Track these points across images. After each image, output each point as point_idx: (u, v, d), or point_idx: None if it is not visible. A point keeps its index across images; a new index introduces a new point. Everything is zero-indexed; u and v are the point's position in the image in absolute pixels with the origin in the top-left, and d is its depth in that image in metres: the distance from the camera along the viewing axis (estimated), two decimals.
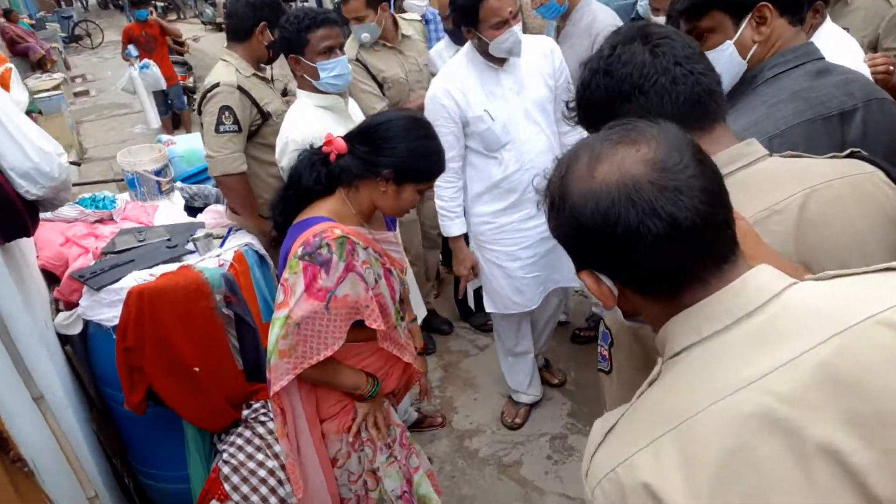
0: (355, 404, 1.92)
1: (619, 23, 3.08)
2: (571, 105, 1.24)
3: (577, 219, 0.82)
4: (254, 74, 2.84)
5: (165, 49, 7.67)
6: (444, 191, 2.71)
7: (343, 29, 2.72)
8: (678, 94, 1.10)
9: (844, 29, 2.58)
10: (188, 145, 4.00)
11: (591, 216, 0.80)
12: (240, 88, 2.74)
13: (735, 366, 0.78)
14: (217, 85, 2.73)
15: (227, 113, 2.70)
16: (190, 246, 2.64)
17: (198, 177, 3.79)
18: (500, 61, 2.55)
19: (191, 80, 8.54)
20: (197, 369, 2.26)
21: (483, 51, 2.51)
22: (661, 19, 2.72)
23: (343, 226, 1.73)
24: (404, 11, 3.88)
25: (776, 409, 0.73)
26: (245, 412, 2.41)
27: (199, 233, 2.68)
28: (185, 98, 7.90)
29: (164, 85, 7.20)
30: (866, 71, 2.05)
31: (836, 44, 2.04)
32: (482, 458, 3.04)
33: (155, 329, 2.18)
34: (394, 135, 1.73)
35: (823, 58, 1.46)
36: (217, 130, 2.72)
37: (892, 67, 2.23)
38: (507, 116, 2.56)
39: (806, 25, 2.10)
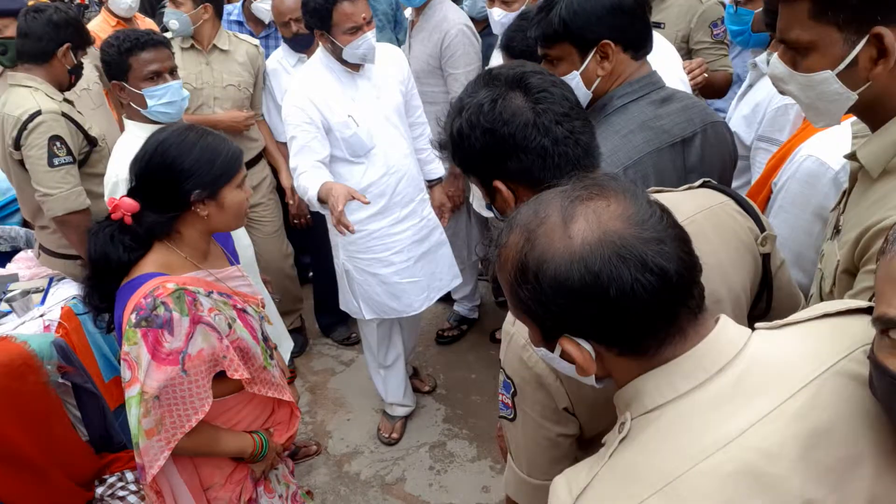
0: (250, 467, 1.77)
1: (469, 23, 3.09)
2: (442, 144, 1.22)
3: (563, 284, 0.77)
4: (65, 100, 2.49)
5: None
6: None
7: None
8: (559, 155, 1.11)
9: (661, 24, 2.78)
10: None
11: (581, 280, 0.76)
12: (64, 115, 2.40)
13: (714, 423, 0.78)
14: (38, 113, 2.35)
15: (58, 143, 2.36)
16: (3, 307, 2.28)
17: None
18: (356, 66, 2.52)
19: None
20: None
21: (337, 56, 2.46)
22: (497, 10, 2.77)
23: (176, 276, 1.57)
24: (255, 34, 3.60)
25: (758, 465, 0.75)
26: (99, 490, 2.14)
27: (13, 288, 2.33)
28: None
29: None
30: (685, 79, 2.22)
31: (660, 53, 2.18)
32: (364, 480, 2.95)
33: None
34: (174, 156, 1.57)
35: (664, 86, 1.54)
36: (52, 164, 2.36)
37: (706, 74, 2.44)
38: (370, 121, 2.52)
39: None
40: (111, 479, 2.16)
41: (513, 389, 1.11)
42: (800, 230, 1.52)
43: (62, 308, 2.23)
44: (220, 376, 1.64)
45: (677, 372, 0.81)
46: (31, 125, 2.36)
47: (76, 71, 2.54)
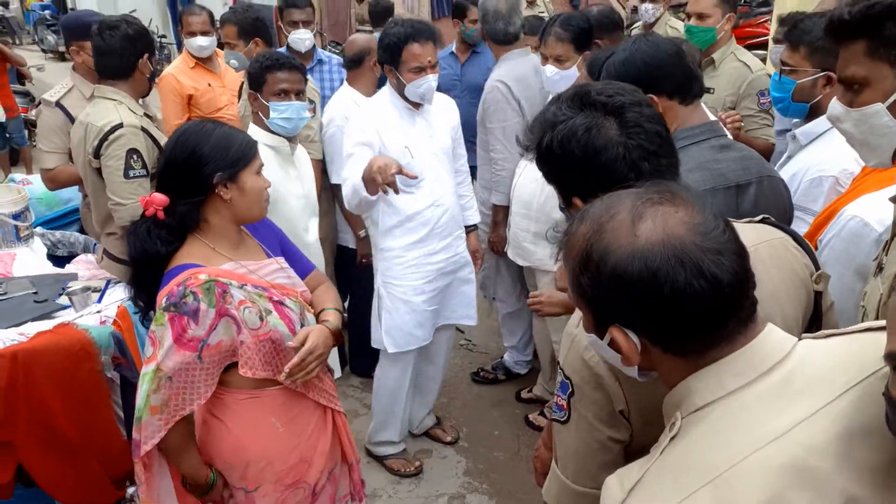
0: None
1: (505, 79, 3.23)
2: (528, 146, 1.26)
3: (621, 276, 0.82)
4: (145, 114, 2.65)
5: (6, 77, 6.96)
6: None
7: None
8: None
9: (710, 89, 2.94)
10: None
11: (639, 275, 0.81)
12: (143, 130, 2.56)
13: (762, 419, 0.81)
14: (120, 125, 2.50)
15: (135, 156, 2.50)
16: (63, 300, 2.36)
17: (58, 221, 3.44)
18: (416, 105, 2.71)
19: (33, 112, 7.79)
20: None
21: (400, 92, 2.65)
22: (549, 68, 2.89)
23: (211, 268, 1.66)
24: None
25: (804, 460, 0.78)
26: (130, 490, 2.15)
27: (74, 285, 2.41)
28: (27, 132, 7.18)
29: (2, 117, 6.50)
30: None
31: None
32: None
33: (30, 397, 1.91)
34: (192, 146, 1.69)
35: (726, 135, 1.63)
36: (127, 176, 2.50)
37: (741, 124, 2.65)
38: (423, 155, 2.69)
39: None
40: None
41: (570, 390, 1.15)
42: (843, 286, 1.57)
43: (118, 307, 2.31)
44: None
45: (727, 370, 0.85)
46: (111, 136, 2.50)
47: (153, 77, 2.73)
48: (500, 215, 3.25)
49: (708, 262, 0.81)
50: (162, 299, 1.62)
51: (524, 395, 3.60)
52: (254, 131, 2.53)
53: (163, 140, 2.66)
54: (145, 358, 1.63)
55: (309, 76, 3.54)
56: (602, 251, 0.85)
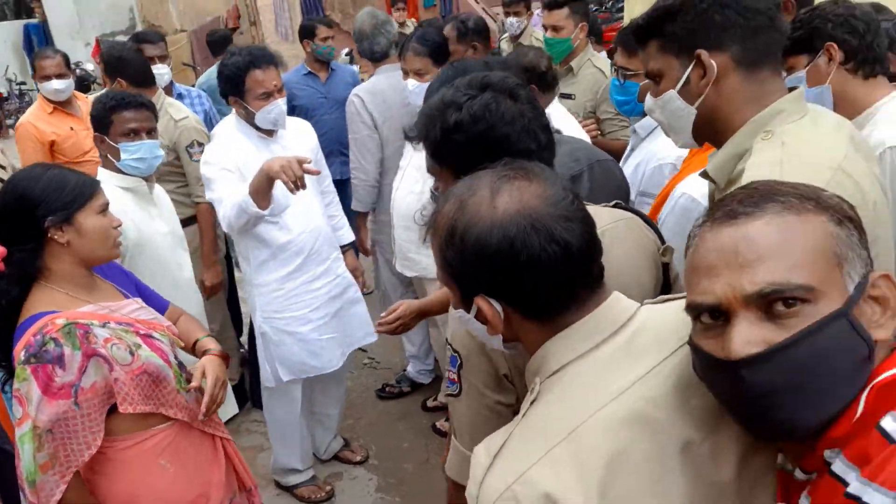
0: None
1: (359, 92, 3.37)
2: (424, 133, 1.30)
3: (483, 246, 0.89)
4: None
5: None
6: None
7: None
8: (539, 159, 1.19)
9: (571, 95, 3.11)
10: None
11: (498, 244, 0.88)
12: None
13: (609, 377, 0.89)
14: None
15: None
16: None
17: None
18: (269, 132, 2.69)
19: None
20: None
21: (249, 121, 2.64)
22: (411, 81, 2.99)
23: (67, 311, 1.62)
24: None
25: (646, 411, 0.87)
26: None
27: None
28: None
29: None
30: (584, 134, 2.60)
31: (557, 117, 2.53)
32: None
33: None
34: (21, 191, 1.65)
35: (556, 130, 1.73)
36: None
37: (597, 131, 2.84)
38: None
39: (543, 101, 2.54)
40: None
41: (459, 362, 1.21)
42: (681, 257, 1.72)
43: None
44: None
45: (576, 335, 0.93)
46: None
47: None
48: (359, 220, 3.43)
49: (559, 229, 0.89)
50: (20, 353, 1.55)
51: (430, 403, 3.64)
52: (105, 176, 2.38)
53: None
54: (16, 420, 1.56)
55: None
56: (465, 225, 0.91)
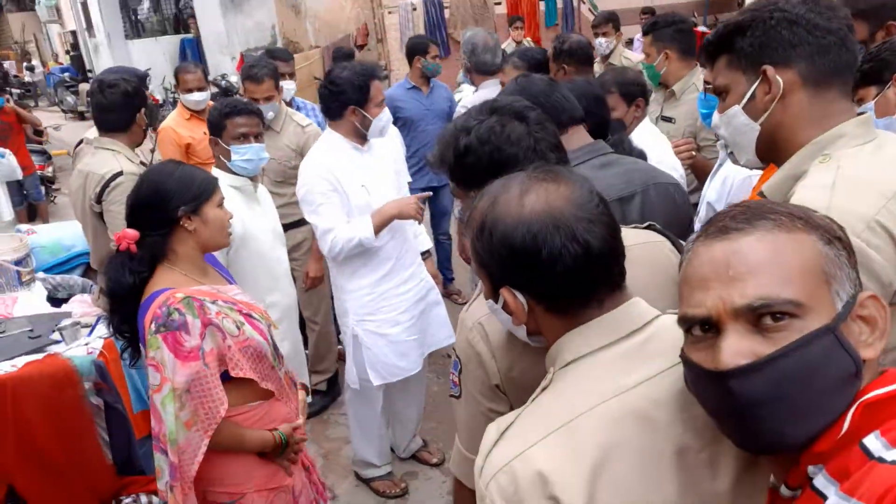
0: (281, 469, 1.96)
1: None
2: (441, 160, 1.39)
3: (508, 241, 0.97)
4: (140, 162, 2.89)
5: (22, 137, 7.35)
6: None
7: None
8: None
9: (672, 119, 3.07)
10: (51, 235, 3.85)
11: (522, 239, 0.95)
12: None
13: (617, 375, 0.95)
14: (120, 173, 2.75)
15: None
16: (55, 336, 2.54)
17: (61, 267, 3.65)
18: (362, 142, 2.82)
19: (49, 169, 8.17)
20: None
21: (356, 131, 2.78)
22: None
23: (183, 289, 1.80)
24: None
25: (647, 411, 0.91)
26: None
27: (65, 322, 2.59)
28: (43, 188, 7.53)
29: (20, 175, 6.84)
30: (672, 157, 2.52)
31: (650, 135, 2.60)
32: None
33: (18, 421, 2.07)
34: (157, 184, 1.87)
35: (609, 153, 1.75)
36: None
37: (694, 152, 2.72)
38: (377, 190, 2.81)
39: (629, 117, 2.56)
40: (126, 500, 2.31)
41: (459, 367, 1.28)
42: None
43: (105, 340, 2.48)
44: (232, 384, 1.81)
45: (593, 331, 0.98)
46: (113, 183, 2.74)
47: (147, 129, 2.97)
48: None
49: (581, 229, 0.95)
50: (150, 325, 1.74)
51: None
52: (218, 175, 2.61)
53: None
54: (154, 387, 1.74)
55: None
56: (493, 220, 0.99)
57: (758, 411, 0.77)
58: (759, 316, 0.78)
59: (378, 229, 2.63)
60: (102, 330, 2.59)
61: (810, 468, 0.79)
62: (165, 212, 1.85)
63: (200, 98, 4.30)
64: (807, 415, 0.77)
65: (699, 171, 2.73)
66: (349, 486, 3.37)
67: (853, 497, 0.72)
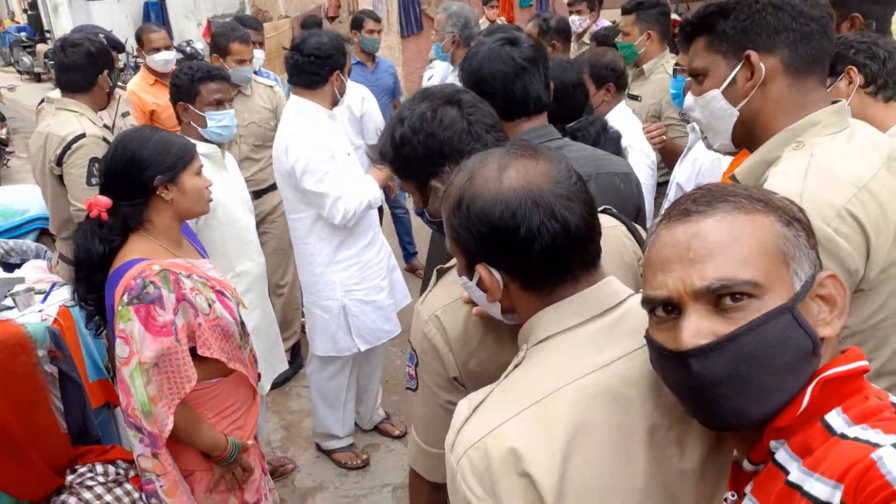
0: (213, 466, 1.90)
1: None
2: (383, 153, 1.39)
3: (486, 216, 0.95)
4: (104, 125, 2.80)
5: None
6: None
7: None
8: None
9: (638, 97, 3.11)
10: (3, 199, 3.72)
11: (501, 215, 0.94)
12: (105, 140, 2.70)
13: (590, 352, 0.95)
14: (83, 136, 2.65)
15: (97, 165, 2.62)
16: (7, 301, 2.47)
17: (14, 232, 3.53)
18: (331, 108, 2.83)
19: (3, 131, 7.89)
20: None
21: (333, 97, 2.81)
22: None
23: (159, 260, 1.75)
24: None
25: (619, 388, 0.92)
26: (69, 478, 2.24)
27: (18, 287, 2.52)
28: None
29: None
30: (644, 141, 2.56)
31: (625, 119, 2.64)
32: None
33: None
34: (133, 151, 1.79)
35: (558, 138, 1.72)
36: (90, 183, 2.64)
37: (664, 136, 2.74)
38: (348, 154, 2.81)
39: (597, 100, 2.58)
40: (82, 469, 2.26)
41: (416, 360, 1.27)
42: None
43: (60, 307, 2.41)
44: (196, 360, 1.77)
45: (567, 309, 0.98)
46: (74, 146, 2.65)
47: (111, 91, 2.85)
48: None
49: (559, 206, 0.94)
50: (121, 296, 1.67)
51: None
52: None
53: None
54: (121, 360, 1.68)
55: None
56: (471, 195, 0.97)
57: (718, 390, 0.79)
58: (718, 297, 0.79)
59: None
60: (58, 296, 2.53)
61: (772, 443, 0.81)
62: (140, 181, 1.78)
63: (170, 57, 4.15)
64: (765, 392, 0.79)
65: (668, 155, 2.76)
66: (310, 457, 3.37)
67: (816, 472, 0.73)
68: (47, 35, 15.50)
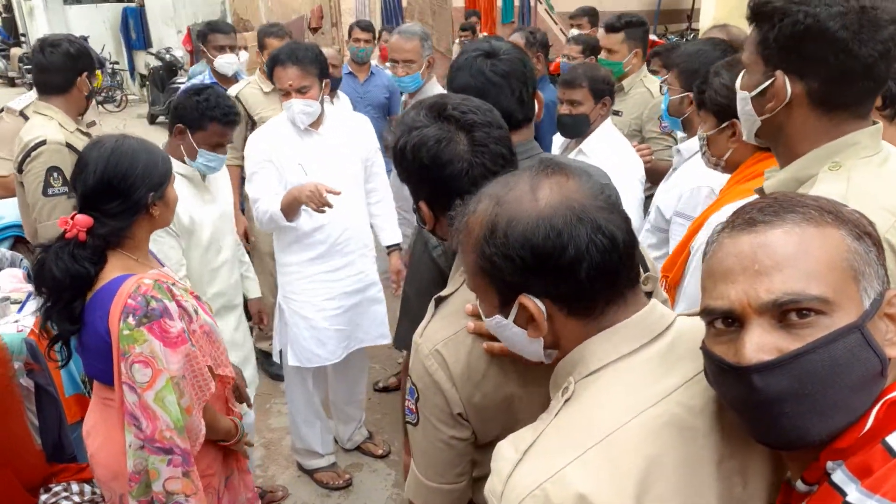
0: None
1: None
2: (388, 147, 1.34)
3: (529, 240, 0.88)
4: (77, 129, 2.69)
5: None
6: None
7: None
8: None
9: (619, 111, 3.17)
10: None
11: (546, 237, 0.87)
12: (68, 146, 2.57)
13: (648, 382, 0.89)
14: (43, 143, 2.53)
15: (55, 174, 2.52)
16: None
17: None
18: (313, 124, 2.75)
19: None
20: None
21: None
22: None
23: (144, 274, 1.68)
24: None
25: (684, 419, 0.87)
26: (43, 497, 2.15)
27: None
28: None
29: None
30: (635, 158, 2.64)
31: (611, 132, 2.74)
32: None
33: None
34: (126, 167, 1.68)
35: (540, 153, 1.66)
36: (45, 194, 2.52)
37: (652, 157, 2.82)
38: (319, 174, 2.68)
39: (595, 114, 2.61)
40: (56, 488, 2.17)
41: (416, 395, 1.21)
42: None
43: (37, 318, 2.32)
44: None
45: (619, 336, 0.92)
46: (34, 153, 2.53)
47: (91, 95, 2.75)
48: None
49: (603, 220, 0.89)
50: (124, 319, 1.58)
51: None
52: None
53: None
54: (142, 386, 1.59)
55: None
56: (507, 220, 0.90)
57: (780, 407, 0.76)
58: (784, 312, 0.76)
59: (284, 209, 2.56)
60: (34, 306, 2.43)
61: (829, 464, 0.78)
62: (133, 199, 1.68)
63: (230, 61, 4.04)
64: (830, 412, 0.76)
65: (651, 174, 2.78)
66: (290, 476, 3.29)
67: (877, 493, 0.71)
68: (22, 39, 15.23)
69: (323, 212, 2.47)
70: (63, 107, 2.69)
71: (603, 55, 3.43)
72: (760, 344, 0.76)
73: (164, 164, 1.77)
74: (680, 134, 2.44)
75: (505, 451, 0.90)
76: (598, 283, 0.90)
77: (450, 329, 1.19)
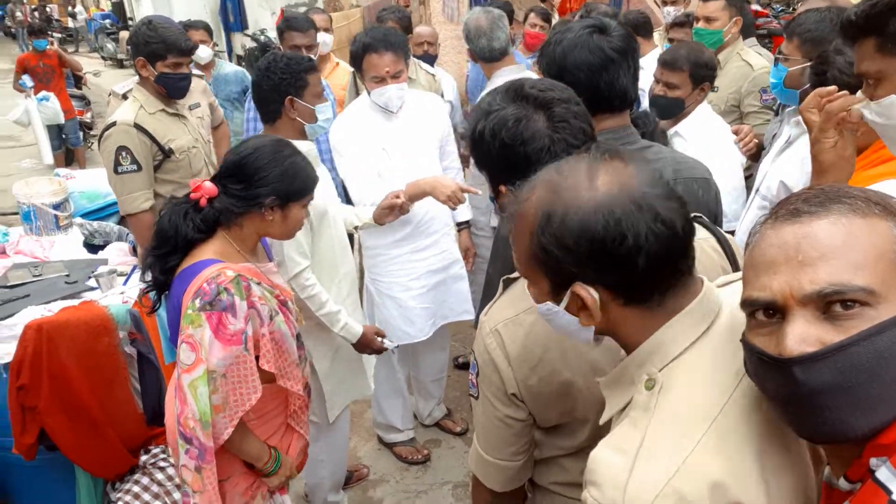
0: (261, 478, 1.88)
1: None
2: (464, 136, 1.35)
3: (587, 229, 0.86)
4: (161, 110, 2.83)
5: (63, 81, 7.40)
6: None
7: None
8: None
9: (715, 87, 2.99)
10: (89, 182, 3.85)
11: (605, 226, 0.85)
12: (137, 126, 2.73)
13: (729, 359, 0.89)
14: (113, 124, 2.72)
15: (123, 153, 2.70)
16: (91, 282, 2.55)
17: (98, 213, 3.66)
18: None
19: (88, 115, 8.23)
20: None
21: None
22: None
23: (232, 265, 1.71)
24: None
25: (761, 397, 0.86)
26: (143, 458, 2.31)
27: (102, 269, 2.60)
28: (81, 134, 7.58)
29: (62, 119, 6.90)
30: (731, 146, 2.47)
31: (708, 116, 2.60)
32: None
33: (53, 365, 2.08)
34: (264, 163, 1.74)
35: (637, 141, 1.61)
36: (116, 171, 2.72)
37: (756, 142, 2.56)
38: (402, 155, 2.75)
39: (691, 99, 2.46)
40: (155, 450, 2.33)
41: (477, 370, 1.24)
42: None
43: (141, 289, 2.47)
44: None
45: (690, 320, 0.92)
46: (105, 134, 2.74)
47: (163, 80, 2.79)
48: None
49: (663, 208, 0.87)
50: (193, 300, 1.62)
51: None
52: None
53: (166, 137, 2.80)
54: (185, 366, 1.63)
55: None
56: (564, 208, 0.88)
57: (822, 400, 0.74)
58: (828, 303, 0.74)
59: (411, 199, 2.58)
60: (138, 279, 2.59)
61: (873, 460, 0.75)
62: (255, 193, 1.74)
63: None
64: (873, 406, 0.74)
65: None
66: (371, 448, 3.39)
67: None
68: (130, 22, 16.08)
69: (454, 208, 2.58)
70: (151, 90, 2.84)
71: (701, 24, 3.21)
72: (803, 335, 0.74)
73: (302, 182, 1.80)
74: (788, 108, 2.27)
75: (609, 458, 0.87)
76: (657, 270, 0.89)
77: (512, 310, 1.20)
